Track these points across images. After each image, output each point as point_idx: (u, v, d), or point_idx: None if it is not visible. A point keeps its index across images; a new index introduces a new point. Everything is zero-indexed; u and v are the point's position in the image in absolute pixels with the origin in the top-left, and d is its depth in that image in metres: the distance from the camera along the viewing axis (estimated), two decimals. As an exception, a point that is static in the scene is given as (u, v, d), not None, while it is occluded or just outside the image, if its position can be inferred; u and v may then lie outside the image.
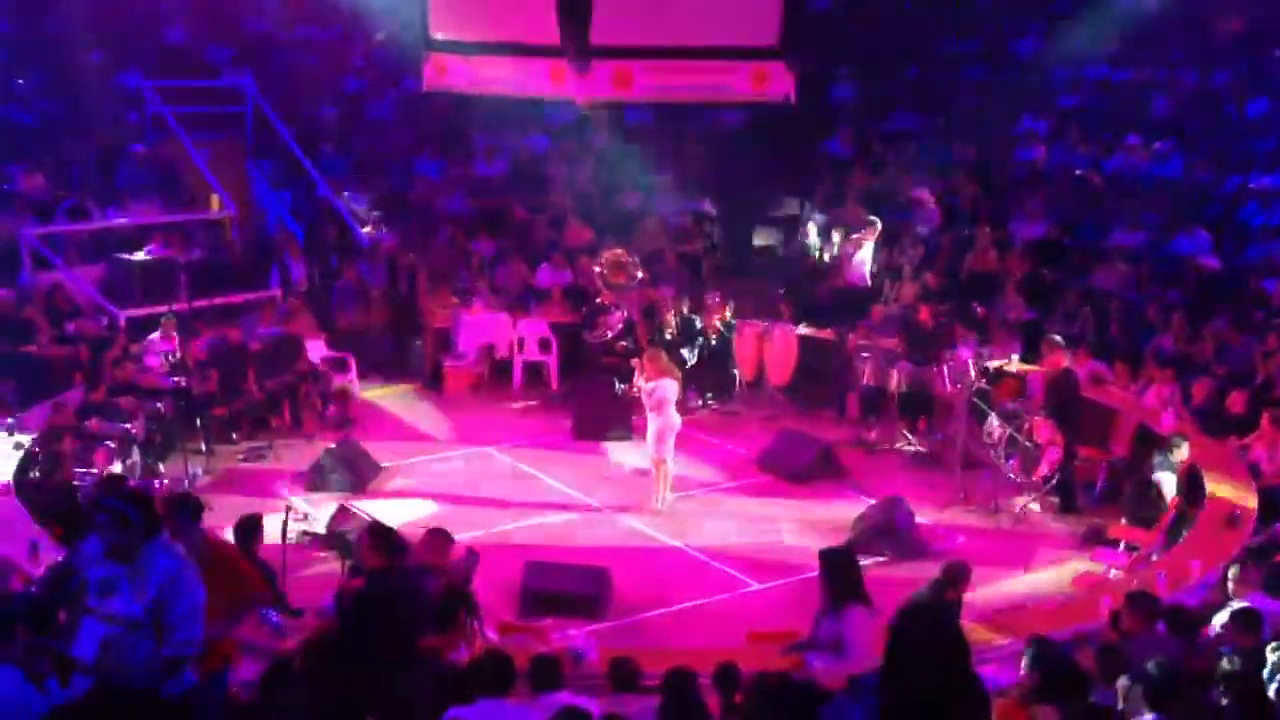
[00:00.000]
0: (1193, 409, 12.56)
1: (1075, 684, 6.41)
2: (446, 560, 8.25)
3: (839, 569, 7.57)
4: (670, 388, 12.05)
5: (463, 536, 11.02)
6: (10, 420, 11.79)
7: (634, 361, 12.62)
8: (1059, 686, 6.31)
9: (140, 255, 15.80)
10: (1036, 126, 19.57)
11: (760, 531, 11.86)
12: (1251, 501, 10.34)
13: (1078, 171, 18.10)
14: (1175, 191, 17.33)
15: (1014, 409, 13.02)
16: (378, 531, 7.57)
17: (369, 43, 21.52)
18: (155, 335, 14.03)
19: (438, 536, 8.46)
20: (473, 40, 13.08)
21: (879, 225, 16.92)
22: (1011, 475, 12.66)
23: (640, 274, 16.04)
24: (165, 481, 11.83)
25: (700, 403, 15.22)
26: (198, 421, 13.16)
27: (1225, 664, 6.55)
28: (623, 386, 13.82)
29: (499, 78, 13.58)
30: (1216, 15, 18.98)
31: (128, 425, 11.99)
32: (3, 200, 16.43)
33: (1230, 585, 8.45)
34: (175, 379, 13.26)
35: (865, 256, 16.78)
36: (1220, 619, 7.70)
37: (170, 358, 13.62)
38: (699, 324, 15.55)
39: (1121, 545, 11.02)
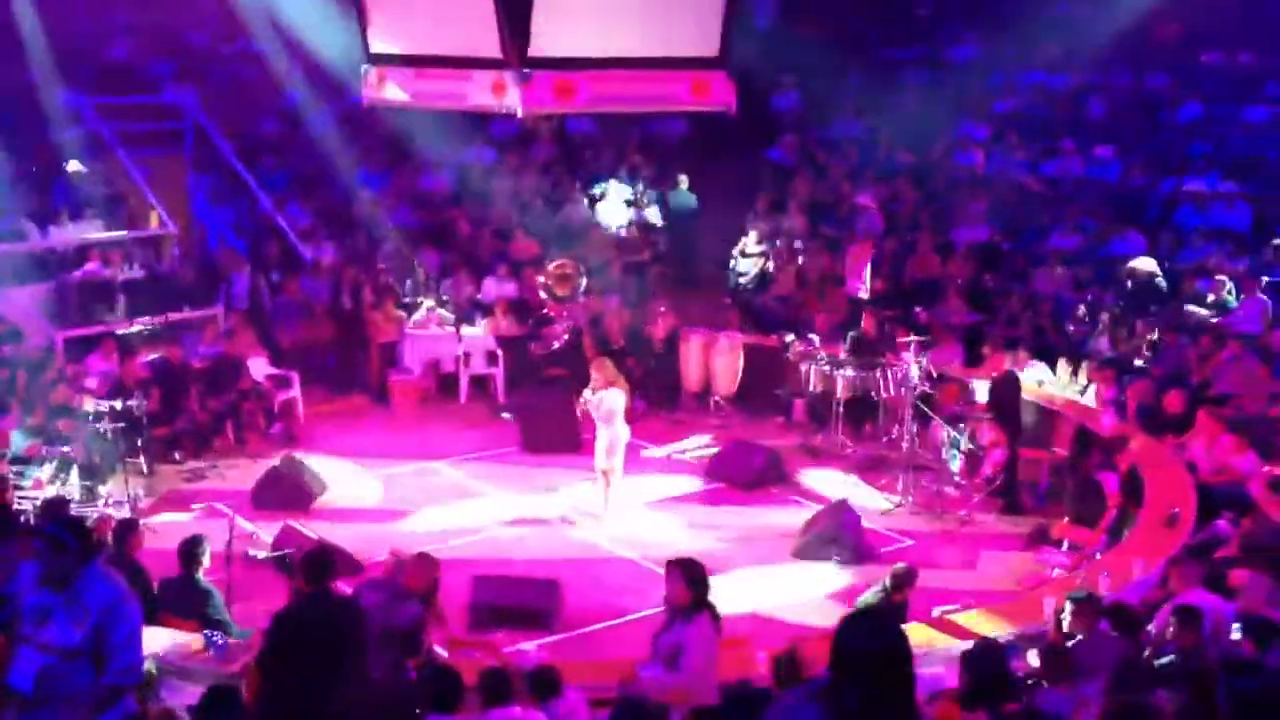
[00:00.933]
0: (1132, 409, 12.74)
1: (1003, 688, 6.45)
2: (428, 584, 8.16)
3: (691, 575, 7.12)
4: (617, 398, 12.06)
5: (409, 549, 11.05)
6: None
7: (580, 375, 12.61)
8: (988, 691, 6.36)
9: (78, 274, 15.61)
10: (975, 132, 19.78)
11: (709, 540, 11.87)
12: (1190, 500, 10.49)
13: (1019, 178, 18.29)
14: (1112, 195, 17.57)
15: (957, 412, 13.17)
16: (309, 554, 7.52)
17: (310, 56, 21.39)
18: (95, 355, 13.85)
19: (424, 561, 8.37)
20: (412, 53, 13.01)
21: (872, 239, 16.84)
22: (956, 477, 12.79)
23: (585, 284, 16.05)
24: (107, 503, 11.67)
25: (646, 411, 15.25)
26: (139, 442, 13.01)
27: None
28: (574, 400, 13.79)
29: (439, 91, 13.50)
30: (1152, 20, 19.28)
31: (66, 448, 11.83)
32: (-64, 221, 16.19)
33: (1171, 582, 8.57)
34: (115, 399, 13.10)
35: (862, 269, 16.38)
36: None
37: (110, 378, 13.46)
38: (645, 333, 15.58)
39: (1065, 545, 11.16)
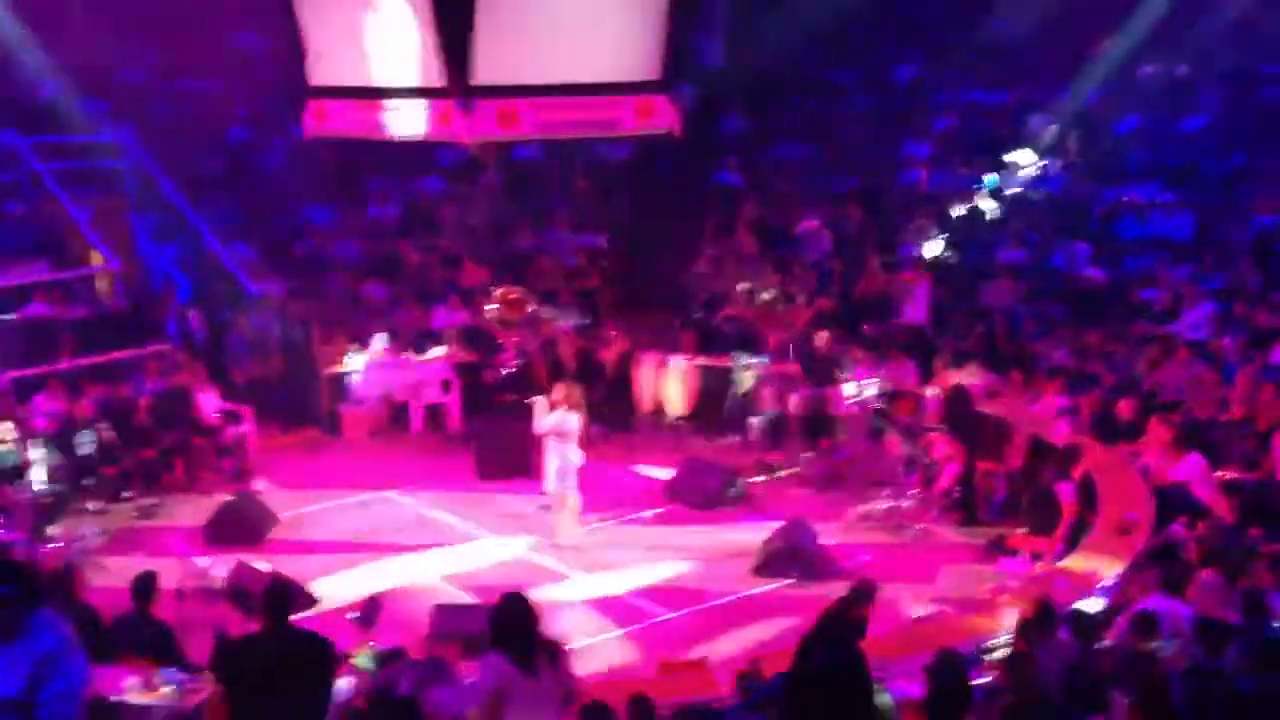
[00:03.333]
0: (1085, 418, 12.85)
1: (960, 699, 6.44)
2: None
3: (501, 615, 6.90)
4: (572, 420, 12.01)
5: (369, 583, 10.96)
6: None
7: (533, 400, 12.53)
8: (951, 702, 6.35)
9: (20, 315, 15.39)
10: (918, 150, 19.97)
11: (668, 561, 11.85)
12: (1145, 506, 10.57)
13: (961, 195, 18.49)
14: (1055, 207, 17.78)
15: (911, 426, 13.23)
16: (269, 588, 7.42)
17: (252, 91, 21.28)
18: (42, 395, 13.66)
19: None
20: (352, 84, 12.95)
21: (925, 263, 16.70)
22: (912, 491, 12.84)
23: (533, 310, 16.02)
24: (58, 544, 11.46)
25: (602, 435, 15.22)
26: (88, 481, 12.81)
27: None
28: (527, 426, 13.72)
29: (382, 121, 13.46)
30: (1087, 35, 19.56)
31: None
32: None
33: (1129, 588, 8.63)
34: (63, 438, 12.92)
35: (920, 297, 16.15)
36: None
37: (58, 418, 13.26)
38: (598, 358, 15.56)
39: (1023, 554, 11.21)
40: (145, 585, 8.66)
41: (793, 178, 20.31)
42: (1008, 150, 18.87)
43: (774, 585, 11.19)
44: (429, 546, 12.34)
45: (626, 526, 12.82)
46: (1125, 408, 12.64)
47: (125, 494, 13.48)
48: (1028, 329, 15.25)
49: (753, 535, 12.16)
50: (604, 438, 15.10)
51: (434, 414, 16.12)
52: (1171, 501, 10.73)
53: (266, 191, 20.14)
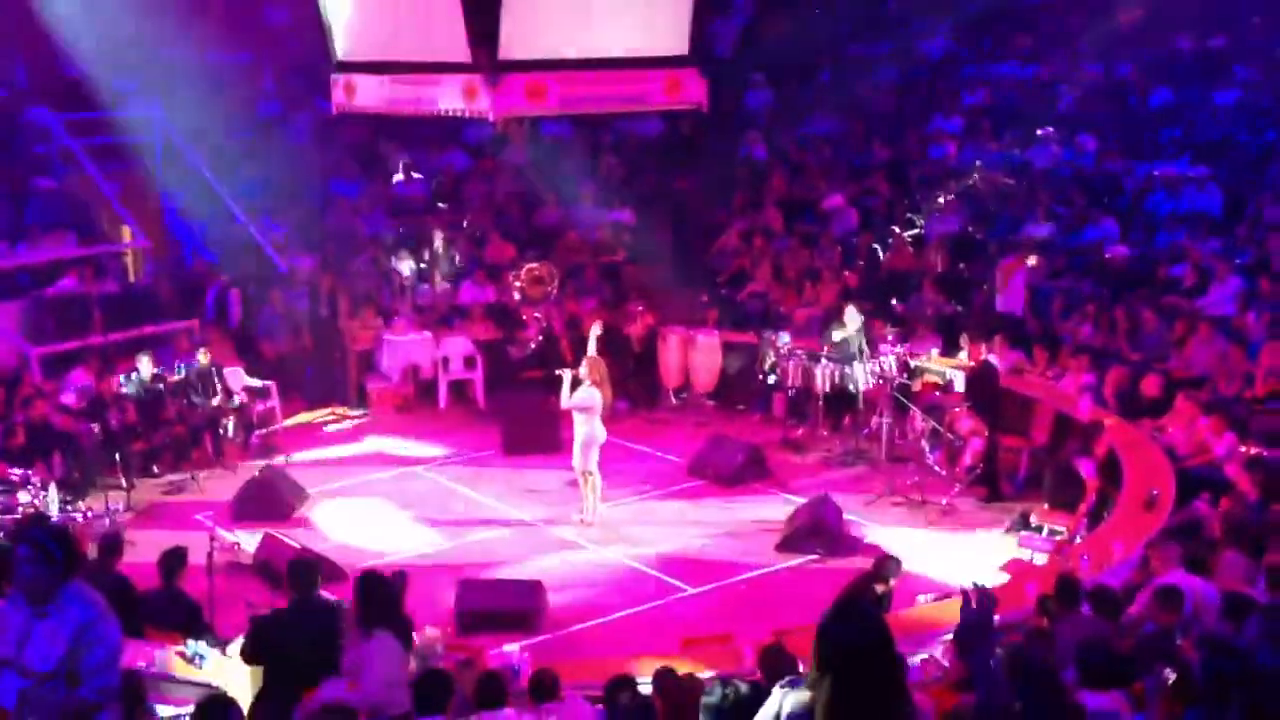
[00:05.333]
0: (1110, 394, 12.80)
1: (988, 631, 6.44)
2: None
3: (366, 592, 6.89)
4: (597, 397, 12.04)
5: (394, 557, 11.05)
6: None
7: (559, 373, 12.57)
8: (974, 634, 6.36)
9: (53, 291, 15.53)
10: (947, 125, 19.86)
11: (692, 537, 11.90)
12: (1168, 482, 10.54)
13: (990, 170, 18.35)
14: (1085, 183, 17.65)
15: (936, 402, 13.21)
16: (296, 562, 7.51)
17: (280, 67, 21.35)
18: (78, 370, 13.81)
19: None
20: (380, 60, 12.97)
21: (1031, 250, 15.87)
22: (936, 468, 12.83)
23: (556, 287, 16.05)
24: (86, 518, 11.60)
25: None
26: (117, 457, 12.95)
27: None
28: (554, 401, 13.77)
29: (410, 96, 13.48)
30: (1118, 6, 19.39)
31: (44, 465, 11.79)
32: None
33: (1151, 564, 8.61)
34: (93, 414, 13.04)
35: (1018, 285, 15.46)
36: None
37: (88, 394, 13.40)
38: (623, 334, 15.59)
39: (1045, 530, 11.21)
40: (174, 560, 8.78)
41: (819, 152, 20.23)
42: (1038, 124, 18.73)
43: (798, 561, 11.24)
44: (455, 522, 12.42)
45: (651, 502, 12.87)
46: (1151, 384, 12.58)
47: (154, 469, 13.62)
48: (1055, 306, 15.16)
49: (777, 511, 12.20)
50: (629, 413, 15.15)
51: (460, 390, 16.20)
52: (1194, 478, 10.70)
53: (294, 166, 20.19)
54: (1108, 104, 19.24)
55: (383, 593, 7.02)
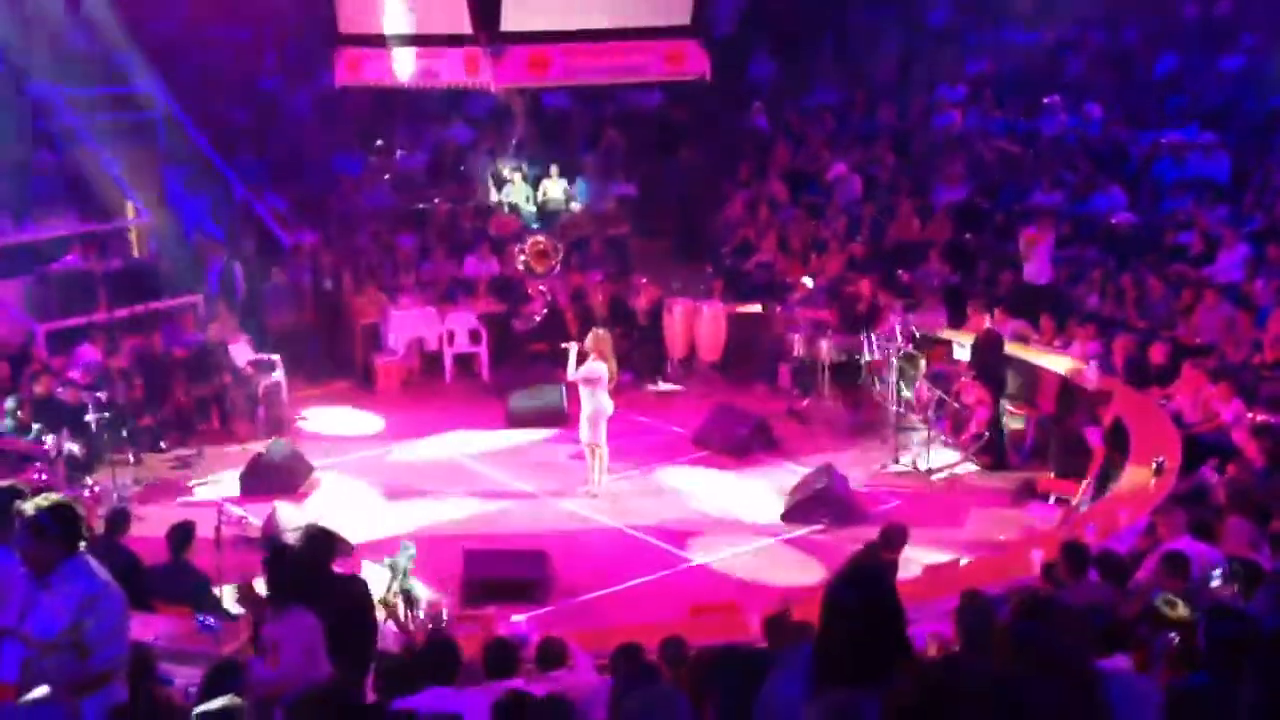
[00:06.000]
0: (1118, 362, 12.78)
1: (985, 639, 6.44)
2: None
3: (275, 566, 6.54)
4: (603, 369, 12.03)
5: (400, 530, 11.07)
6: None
7: (564, 346, 12.55)
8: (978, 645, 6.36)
9: (58, 266, 15.52)
10: (952, 93, 19.76)
11: (698, 507, 11.91)
12: (1175, 450, 10.53)
13: (996, 142, 18.26)
14: (1091, 150, 17.56)
15: (942, 372, 13.20)
16: (310, 534, 7.52)
17: (282, 41, 21.25)
18: (85, 346, 13.83)
19: None
20: (383, 33, 12.93)
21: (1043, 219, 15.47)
22: (942, 436, 12.83)
23: (560, 260, 16.02)
24: (94, 491, 11.62)
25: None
26: (124, 432, 12.97)
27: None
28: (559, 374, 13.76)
29: (412, 69, 13.43)
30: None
31: (50, 440, 11.80)
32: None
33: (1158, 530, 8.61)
34: (100, 390, 13.04)
35: (1044, 254, 15.09)
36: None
37: (94, 369, 13.41)
38: (629, 306, 15.58)
39: (1052, 498, 11.21)
40: (182, 533, 8.80)
41: (823, 122, 20.14)
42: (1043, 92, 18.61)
43: (804, 530, 11.25)
44: (461, 494, 12.43)
45: (657, 473, 12.88)
46: (1157, 352, 12.56)
47: (161, 444, 13.64)
48: (1061, 273, 15.12)
49: (783, 481, 12.21)
50: (634, 385, 15.15)
51: (465, 363, 16.20)
52: (1201, 445, 10.69)
53: (297, 141, 20.14)
54: (1113, 71, 19.14)
55: (292, 570, 6.65)
